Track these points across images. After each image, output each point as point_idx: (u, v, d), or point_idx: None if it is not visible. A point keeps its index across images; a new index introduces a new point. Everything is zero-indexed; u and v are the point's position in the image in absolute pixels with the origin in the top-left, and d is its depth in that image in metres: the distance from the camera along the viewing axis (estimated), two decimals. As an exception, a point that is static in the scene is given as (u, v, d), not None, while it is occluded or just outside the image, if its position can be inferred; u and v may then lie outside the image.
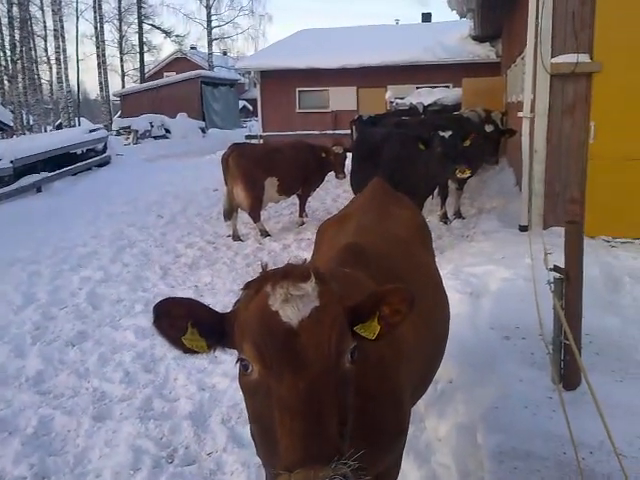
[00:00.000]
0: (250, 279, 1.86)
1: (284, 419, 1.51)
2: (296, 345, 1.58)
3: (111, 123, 31.68)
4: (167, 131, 28.85)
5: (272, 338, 1.59)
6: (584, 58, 7.32)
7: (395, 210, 3.65)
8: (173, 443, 4.07)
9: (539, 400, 3.85)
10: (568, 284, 3.79)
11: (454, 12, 17.23)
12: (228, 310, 1.86)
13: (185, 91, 34.40)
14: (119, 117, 34.04)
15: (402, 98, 19.23)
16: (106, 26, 39.81)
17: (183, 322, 1.74)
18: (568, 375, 3.93)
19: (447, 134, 7.38)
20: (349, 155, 9.85)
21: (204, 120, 33.51)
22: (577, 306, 3.85)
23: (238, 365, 1.71)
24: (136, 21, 45.31)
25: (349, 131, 17.72)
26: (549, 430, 3.48)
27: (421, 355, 2.64)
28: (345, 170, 10.26)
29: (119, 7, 45.14)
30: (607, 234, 7.39)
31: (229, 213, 9.54)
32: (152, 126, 28.09)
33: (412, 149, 7.62)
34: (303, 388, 1.53)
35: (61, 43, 29.18)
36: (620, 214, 7.37)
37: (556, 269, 3.83)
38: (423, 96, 18.39)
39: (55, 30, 28.60)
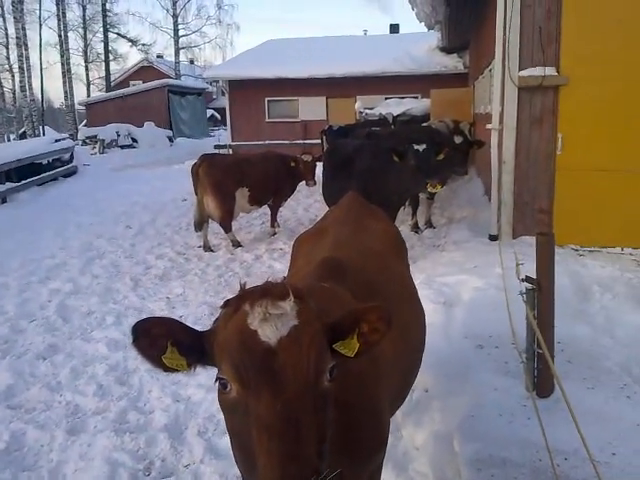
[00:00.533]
0: (223, 292, 1.87)
1: (262, 438, 1.51)
2: (274, 364, 1.58)
3: (76, 132, 31.30)
4: (134, 140, 28.63)
5: (250, 357, 1.59)
6: (551, 71, 7.49)
7: (370, 223, 3.68)
8: (149, 456, 4.03)
9: (514, 408, 3.91)
10: (540, 294, 3.86)
11: (422, 24, 17.37)
12: (202, 322, 1.86)
13: (152, 100, 34.25)
14: (84, 126, 33.69)
15: (371, 108, 19.35)
16: (70, 34, 39.14)
17: (163, 341, 1.73)
18: (541, 383, 4.00)
19: (421, 147, 7.45)
20: (319, 164, 9.91)
21: (171, 129, 33.33)
22: (549, 316, 3.92)
23: (217, 383, 1.70)
24: (101, 29, 44.91)
25: (319, 141, 17.82)
26: (524, 437, 3.53)
27: (399, 367, 2.67)
28: (315, 178, 10.30)
29: (83, 15, 44.62)
30: (575, 243, 7.55)
31: (200, 224, 9.51)
32: (119, 135, 27.86)
33: (385, 161, 7.67)
34: (281, 408, 1.53)
35: (24, 51, 28.72)
36: (588, 223, 7.53)
37: (528, 280, 3.90)
38: (392, 106, 18.50)
39: (18, 38, 28.13)
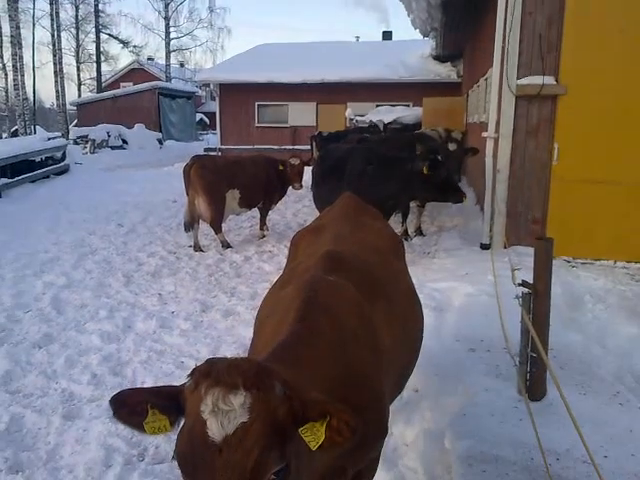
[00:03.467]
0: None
1: None
2: (215, 463, 1.52)
3: (67, 132, 31.15)
4: (124, 141, 28.54)
5: (196, 448, 1.55)
6: (550, 80, 7.42)
7: (368, 221, 3.71)
8: (143, 442, 4.08)
9: (505, 409, 3.94)
10: (536, 298, 3.90)
11: (417, 31, 17.41)
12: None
13: (142, 102, 34.22)
14: (75, 126, 33.56)
15: (362, 115, 19.36)
16: (63, 34, 38.80)
17: (141, 406, 1.71)
18: (534, 387, 4.04)
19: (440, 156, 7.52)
20: (307, 169, 10.00)
21: (161, 132, 33.26)
22: (545, 320, 3.97)
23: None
24: (93, 30, 44.68)
25: (308, 147, 17.84)
26: (516, 437, 3.57)
27: (397, 358, 2.72)
28: (303, 182, 10.38)
29: (76, 16, 44.37)
30: (568, 254, 7.47)
31: (190, 224, 9.54)
32: (109, 136, 27.74)
33: (381, 165, 7.74)
34: None
35: (18, 50, 28.56)
36: (581, 236, 7.47)
37: (524, 284, 3.95)
38: (383, 114, 18.50)
39: (12, 37, 27.96)
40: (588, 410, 3.85)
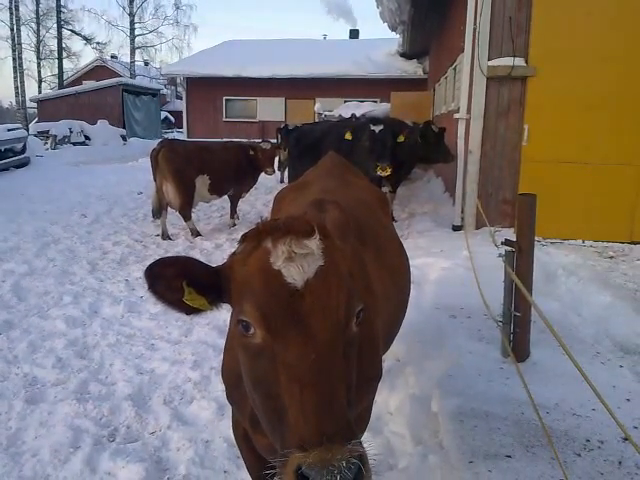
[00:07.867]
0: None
1: (293, 389, 1.40)
2: (302, 309, 1.47)
3: (27, 130, 30.45)
4: (87, 138, 27.96)
5: (277, 300, 1.48)
6: (520, 62, 7.57)
7: (353, 178, 3.69)
8: (113, 423, 3.93)
9: (491, 370, 3.94)
10: (520, 255, 3.88)
11: (385, 25, 17.51)
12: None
13: (106, 98, 33.53)
14: (36, 123, 32.85)
15: (331, 111, 19.50)
16: (23, 29, 37.85)
17: (177, 282, 1.63)
18: (517, 347, 4.02)
19: (377, 128, 7.47)
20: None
21: (125, 128, 32.75)
22: (528, 275, 3.94)
23: (237, 325, 1.57)
24: (55, 26, 43.71)
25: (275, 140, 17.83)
26: (505, 394, 3.57)
27: (388, 305, 2.66)
28: (274, 167, 10.25)
29: (37, 10, 43.16)
30: (538, 235, 7.50)
31: (158, 211, 9.31)
32: (71, 132, 27.13)
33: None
34: (313, 356, 1.42)
35: (-27, 42, 27.94)
36: (550, 216, 7.50)
37: (507, 242, 3.92)
38: (352, 109, 18.67)
39: (-31, 29, 27.33)
40: (573, 369, 3.81)
